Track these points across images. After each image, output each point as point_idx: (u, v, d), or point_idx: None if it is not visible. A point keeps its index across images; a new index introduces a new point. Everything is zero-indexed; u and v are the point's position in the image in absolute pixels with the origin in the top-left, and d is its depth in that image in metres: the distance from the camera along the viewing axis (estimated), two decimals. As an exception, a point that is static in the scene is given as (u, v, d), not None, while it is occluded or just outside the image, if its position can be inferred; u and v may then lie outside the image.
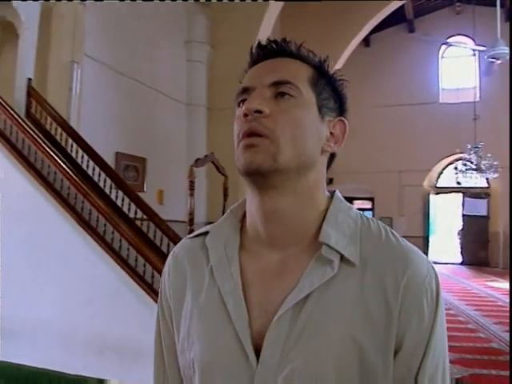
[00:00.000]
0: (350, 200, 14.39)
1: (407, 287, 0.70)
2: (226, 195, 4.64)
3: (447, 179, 15.25)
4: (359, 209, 0.84)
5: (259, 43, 0.80)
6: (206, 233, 0.83)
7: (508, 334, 5.81)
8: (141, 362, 3.56)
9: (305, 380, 0.69)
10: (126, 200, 4.55)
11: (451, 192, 15.35)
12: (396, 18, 13.43)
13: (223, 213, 3.33)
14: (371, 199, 15.67)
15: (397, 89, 14.47)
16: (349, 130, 0.80)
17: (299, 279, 0.72)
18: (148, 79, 7.73)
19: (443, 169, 15.46)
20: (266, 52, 0.79)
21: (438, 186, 15.59)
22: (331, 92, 0.80)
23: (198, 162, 3.98)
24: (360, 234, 0.75)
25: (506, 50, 6.13)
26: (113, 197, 4.59)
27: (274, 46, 0.79)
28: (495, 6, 14.52)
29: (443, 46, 15.08)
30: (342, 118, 0.81)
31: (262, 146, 0.71)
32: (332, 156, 0.81)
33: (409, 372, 0.70)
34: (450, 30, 14.35)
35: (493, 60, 6.34)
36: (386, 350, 0.69)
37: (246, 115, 0.73)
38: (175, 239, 4.51)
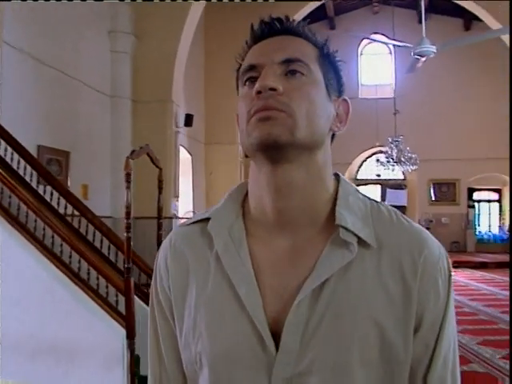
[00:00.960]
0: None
1: (424, 267, 0.72)
2: (160, 188, 4.54)
3: (366, 171, 15.89)
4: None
5: (262, 20, 0.78)
6: (204, 219, 0.80)
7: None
8: (79, 362, 3.42)
9: (328, 366, 0.68)
10: (55, 195, 4.33)
11: (370, 184, 16.03)
12: (318, 15, 13.75)
13: (158, 206, 3.26)
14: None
15: (319, 84, 14.84)
16: None
17: (315, 263, 0.71)
18: (71, 69, 7.38)
19: (363, 161, 16.09)
20: (271, 29, 0.77)
21: (358, 178, 16.21)
22: (333, 72, 0.80)
23: (134, 154, 3.86)
24: (371, 216, 0.76)
25: (432, 48, 6.48)
26: (40, 191, 4.35)
27: (278, 23, 0.77)
28: (410, 7, 15.32)
29: (362, 44, 15.65)
30: (346, 98, 0.82)
31: (280, 118, 0.70)
32: (332, 137, 0.82)
33: (426, 349, 0.72)
34: (368, 29, 14.91)
35: (418, 57, 6.67)
36: (405, 330, 0.70)
37: (259, 92, 0.71)
38: (109, 234, 4.36)
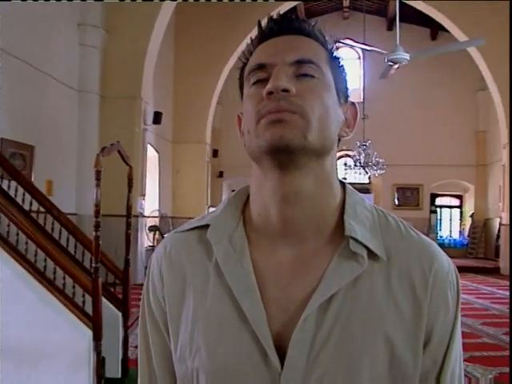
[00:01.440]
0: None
1: (434, 281, 0.70)
2: (130, 186, 4.44)
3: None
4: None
5: (271, 17, 0.75)
6: (202, 226, 0.76)
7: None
8: (44, 364, 3.31)
9: (337, 383, 0.66)
10: (20, 190, 4.19)
11: (336, 187, 16.25)
12: (289, 18, 13.83)
13: (128, 204, 3.18)
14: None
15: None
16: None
17: (322, 275, 0.68)
18: (37, 61, 7.18)
19: (329, 165, 16.27)
20: (280, 28, 0.74)
21: (324, 181, 16.41)
22: (341, 75, 0.78)
23: (105, 151, 3.76)
24: (379, 226, 0.74)
25: (405, 55, 6.64)
26: (4, 186, 4.20)
27: (288, 22, 0.74)
28: (380, 15, 15.58)
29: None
30: (354, 102, 0.79)
31: (292, 120, 0.66)
32: (338, 142, 0.80)
33: (434, 364, 0.71)
34: (338, 33, 14.78)
35: (391, 64, 6.82)
36: (415, 345, 0.68)
37: (270, 93, 0.67)
38: (76, 232, 4.24)
